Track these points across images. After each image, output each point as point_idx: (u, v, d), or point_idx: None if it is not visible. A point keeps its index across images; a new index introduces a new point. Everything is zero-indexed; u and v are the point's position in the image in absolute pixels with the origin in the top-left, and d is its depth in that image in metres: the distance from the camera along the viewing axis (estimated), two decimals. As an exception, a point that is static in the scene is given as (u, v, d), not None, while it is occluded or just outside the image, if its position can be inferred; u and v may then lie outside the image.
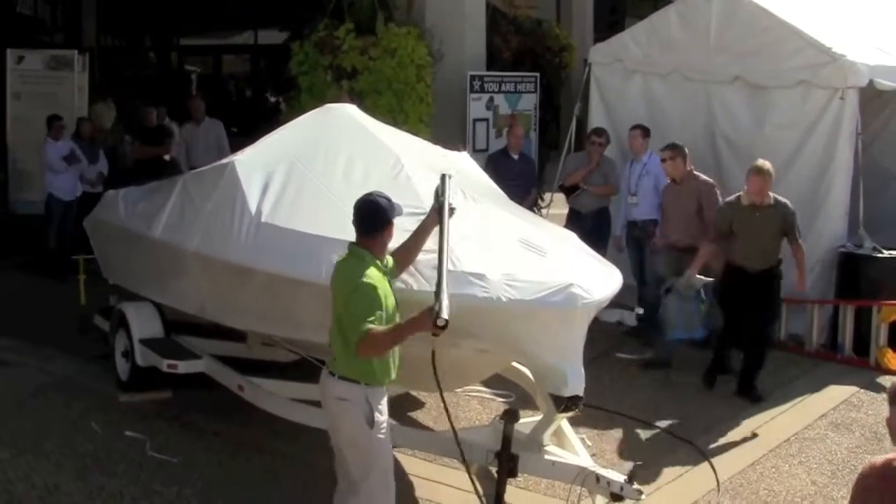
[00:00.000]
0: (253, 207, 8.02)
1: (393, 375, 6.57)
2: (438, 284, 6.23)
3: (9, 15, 21.81)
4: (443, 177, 7.16)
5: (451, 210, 6.93)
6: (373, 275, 6.33)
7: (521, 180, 12.71)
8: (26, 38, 19.97)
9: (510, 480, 7.50)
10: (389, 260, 6.74)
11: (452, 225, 7.15)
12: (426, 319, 6.03)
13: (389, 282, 6.56)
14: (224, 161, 9.06)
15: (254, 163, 8.52)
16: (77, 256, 12.91)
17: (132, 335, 10.06)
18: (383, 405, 6.55)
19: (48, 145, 15.59)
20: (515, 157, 13.23)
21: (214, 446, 8.97)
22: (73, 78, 17.99)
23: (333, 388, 6.52)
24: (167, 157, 16.32)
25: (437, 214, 6.89)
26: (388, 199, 6.62)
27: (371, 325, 6.16)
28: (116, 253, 11.04)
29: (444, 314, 5.94)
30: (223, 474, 8.47)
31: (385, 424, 6.53)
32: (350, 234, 6.83)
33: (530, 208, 12.36)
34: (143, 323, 10.13)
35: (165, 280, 9.69)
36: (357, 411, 6.42)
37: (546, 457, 7.53)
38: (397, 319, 6.44)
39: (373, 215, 6.55)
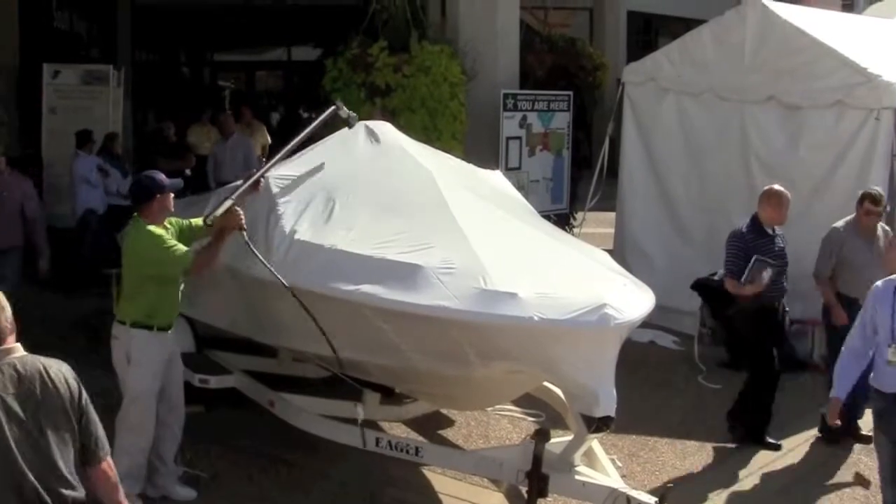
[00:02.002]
0: (286, 224, 8.03)
1: (170, 320, 7.95)
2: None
3: (45, 30, 21.96)
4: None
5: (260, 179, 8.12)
6: (151, 227, 7.66)
7: (781, 260, 10.15)
8: (62, 53, 20.10)
9: (540, 500, 7.49)
10: (195, 222, 8.02)
11: (482, 242, 7.27)
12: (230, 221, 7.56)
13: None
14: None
15: (287, 179, 8.54)
16: (110, 270, 12.94)
17: (164, 350, 10.09)
18: (147, 346, 7.78)
19: (82, 159, 15.66)
20: (770, 231, 10.28)
21: (244, 461, 8.97)
22: (109, 93, 18.10)
23: (112, 328, 7.92)
24: (187, 172, 16.46)
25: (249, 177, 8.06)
26: (153, 178, 7.84)
27: (182, 249, 7.58)
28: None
29: (214, 213, 7.59)
30: (253, 489, 8.48)
31: (147, 362, 7.78)
32: (382, 252, 6.89)
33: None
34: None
35: (198, 295, 9.71)
36: (120, 347, 7.82)
37: (577, 477, 7.50)
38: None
39: (137, 190, 7.90)
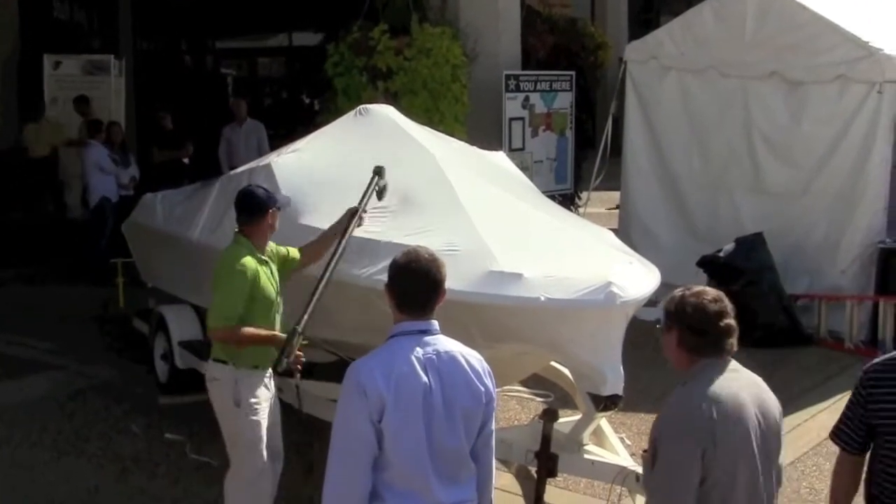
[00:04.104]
0: (289, 209, 8.03)
1: (267, 362, 6.81)
2: (304, 312, 6.45)
3: (45, 20, 21.93)
4: (376, 170, 7.45)
5: (361, 218, 7.23)
6: (248, 263, 6.77)
7: None
8: (63, 44, 20.09)
9: (550, 480, 7.49)
10: (292, 251, 7.30)
11: (487, 224, 7.25)
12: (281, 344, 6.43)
13: (271, 270, 7.00)
14: (261, 162, 9.09)
15: (291, 164, 8.54)
16: (115, 260, 12.99)
17: (171, 338, 10.11)
18: (255, 387, 6.89)
19: (94, 148, 15.62)
20: None
21: (254, 448, 8.99)
22: (110, 82, 18.14)
23: (207, 369, 7.14)
24: (185, 161, 16.46)
25: (348, 219, 7.16)
26: (265, 189, 7.12)
27: (224, 321, 6.69)
28: (155, 256, 11.10)
29: (287, 358, 6.23)
30: (263, 475, 8.49)
31: (257, 405, 6.88)
32: (388, 235, 6.88)
33: None
34: (182, 325, 10.16)
35: (203, 282, 9.71)
36: (225, 391, 6.87)
37: (586, 456, 7.50)
38: (278, 306, 7.00)
39: (249, 203, 6.96)
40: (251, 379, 6.87)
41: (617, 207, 15.43)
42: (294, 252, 7.32)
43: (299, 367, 6.41)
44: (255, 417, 6.88)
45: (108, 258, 14.20)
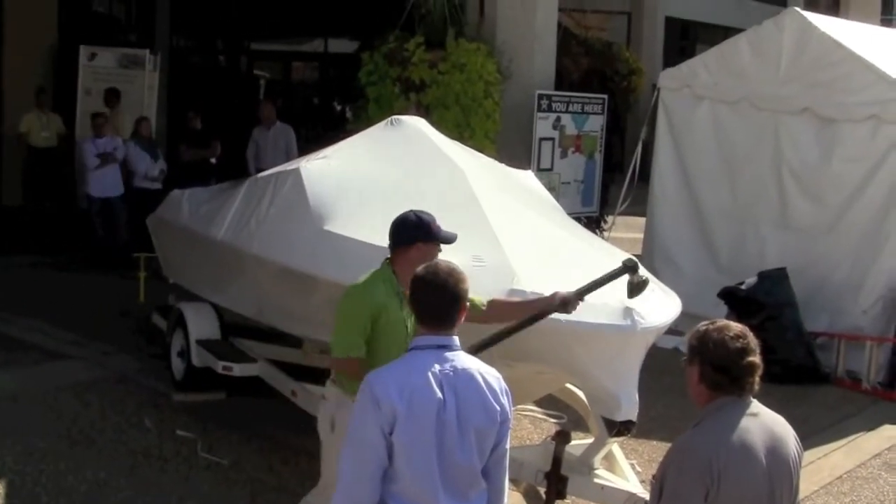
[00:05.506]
0: (315, 215, 8.05)
1: None
2: None
3: (84, 12, 22.07)
4: (626, 264, 6.74)
5: (574, 305, 6.57)
6: (368, 292, 6.11)
7: None
8: (101, 36, 20.21)
9: (558, 502, 7.49)
10: (476, 298, 6.32)
11: (511, 241, 7.23)
12: None
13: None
14: (290, 167, 9.12)
15: (319, 170, 8.56)
16: (138, 254, 13.05)
17: (189, 335, 10.14)
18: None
19: (83, 143, 15.88)
20: None
21: (265, 450, 9.01)
22: (144, 77, 18.22)
23: (327, 384, 6.59)
24: (213, 160, 16.58)
25: (560, 306, 6.49)
26: (421, 218, 6.18)
27: (342, 352, 6.07)
28: (178, 252, 11.14)
29: None
30: (273, 479, 8.50)
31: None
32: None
33: None
34: (200, 324, 10.20)
35: (225, 282, 9.77)
36: (326, 410, 6.41)
37: (596, 480, 7.50)
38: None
39: (397, 229, 6.18)
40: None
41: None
42: (478, 300, 6.42)
43: None
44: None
45: (115, 250, 14.36)
